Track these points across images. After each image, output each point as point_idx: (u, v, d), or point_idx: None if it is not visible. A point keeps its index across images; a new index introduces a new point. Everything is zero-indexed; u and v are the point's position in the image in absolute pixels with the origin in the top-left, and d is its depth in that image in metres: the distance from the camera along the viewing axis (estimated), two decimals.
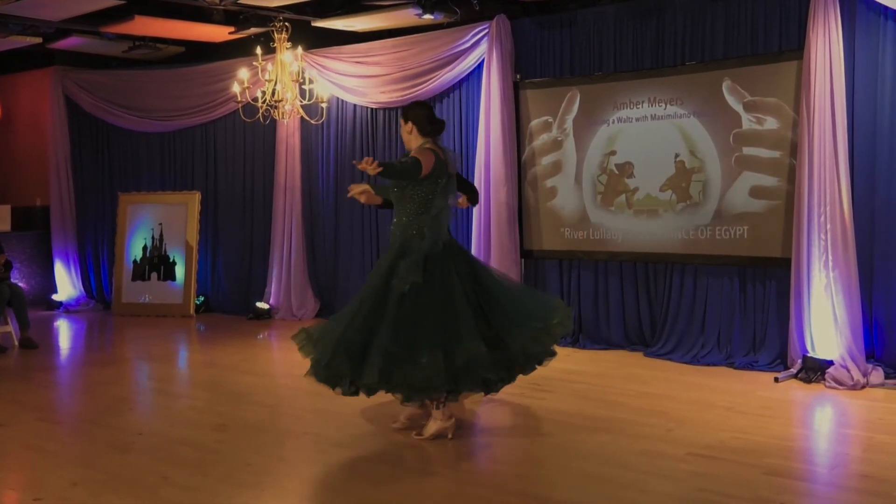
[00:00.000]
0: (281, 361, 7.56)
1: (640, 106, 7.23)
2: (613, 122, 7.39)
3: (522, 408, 5.71)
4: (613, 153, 7.41)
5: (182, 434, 5.11)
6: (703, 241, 6.95)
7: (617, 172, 7.40)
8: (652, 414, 5.39)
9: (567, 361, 7.03)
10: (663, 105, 7.11)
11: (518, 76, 7.86)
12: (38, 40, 8.86)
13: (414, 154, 4.73)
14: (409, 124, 4.87)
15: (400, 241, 4.84)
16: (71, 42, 9.04)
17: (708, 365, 6.75)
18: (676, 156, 7.08)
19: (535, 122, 7.83)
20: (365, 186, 4.94)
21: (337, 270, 9.21)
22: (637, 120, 7.26)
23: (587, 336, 7.61)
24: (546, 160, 7.79)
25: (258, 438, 5.04)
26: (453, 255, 4.83)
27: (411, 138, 4.88)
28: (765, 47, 6.63)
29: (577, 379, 6.40)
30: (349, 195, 4.95)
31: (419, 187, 4.74)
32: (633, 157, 7.30)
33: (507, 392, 6.07)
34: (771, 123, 6.60)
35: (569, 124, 7.63)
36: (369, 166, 4.45)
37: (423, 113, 4.86)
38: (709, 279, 6.98)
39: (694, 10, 6.96)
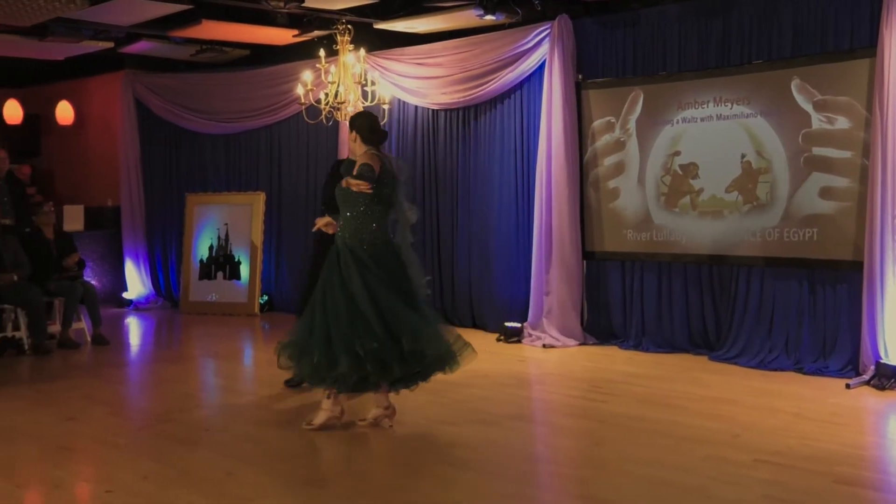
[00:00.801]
0: None
1: (706, 106, 7.11)
2: (678, 123, 7.29)
3: (583, 410, 5.67)
4: (678, 154, 7.31)
5: (247, 431, 5.19)
6: (771, 244, 6.80)
7: (681, 173, 7.29)
8: (717, 419, 5.30)
9: (629, 364, 6.97)
10: (729, 105, 6.99)
11: (580, 76, 7.81)
12: (110, 45, 9.10)
13: (364, 162, 4.88)
14: (354, 133, 5.09)
15: (339, 244, 5.00)
16: (141, 46, 9.27)
17: (775, 370, 6.60)
18: (743, 156, 6.95)
19: (597, 123, 7.76)
20: (328, 220, 5.27)
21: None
22: (702, 120, 7.15)
23: (650, 339, 7.51)
24: (608, 161, 7.72)
25: (321, 436, 5.10)
26: (379, 260, 4.95)
27: (355, 146, 5.09)
28: (835, 45, 6.46)
29: (639, 382, 6.32)
30: (315, 229, 5.37)
31: (359, 193, 4.88)
32: (698, 158, 7.19)
33: (568, 394, 6.06)
34: (842, 123, 6.44)
35: (632, 125, 7.55)
36: (364, 187, 4.74)
37: (365, 123, 5.06)
38: (776, 282, 6.84)
39: (761, 8, 6.82)
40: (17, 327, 7.83)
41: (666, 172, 7.38)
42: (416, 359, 4.94)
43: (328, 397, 5.13)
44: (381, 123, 8.14)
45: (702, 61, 7.16)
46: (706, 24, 7.11)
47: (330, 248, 5.10)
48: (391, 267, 5.01)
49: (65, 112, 11.06)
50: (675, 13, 7.27)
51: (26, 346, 7.73)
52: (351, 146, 5.17)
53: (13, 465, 4.64)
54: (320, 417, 5.14)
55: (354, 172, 4.84)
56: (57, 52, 9.37)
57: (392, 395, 5.21)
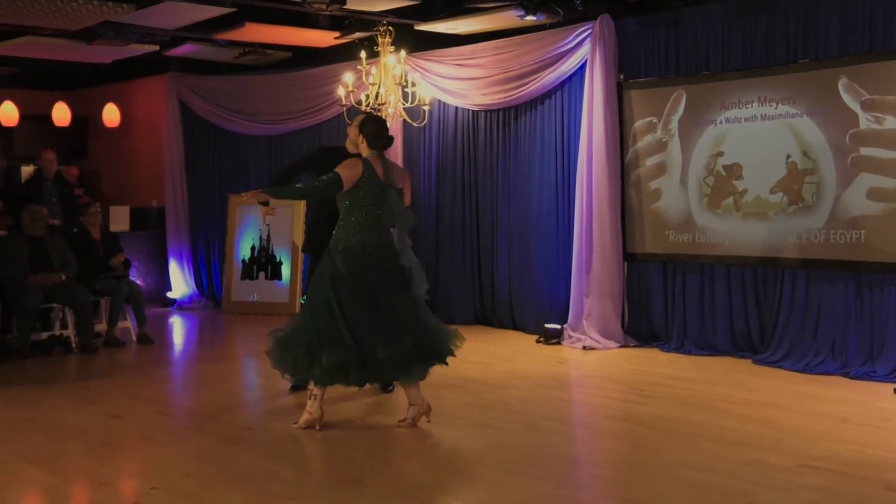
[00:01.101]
0: None
1: (750, 105, 7.02)
2: (721, 123, 7.20)
3: (624, 413, 5.63)
4: (721, 154, 7.22)
5: (288, 430, 5.23)
6: (817, 245, 6.69)
7: (724, 174, 7.20)
8: (761, 423, 5.23)
9: (670, 367, 6.90)
10: (774, 104, 6.89)
11: (622, 76, 7.75)
12: (156, 48, 9.24)
13: (339, 168, 5.06)
14: (361, 136, 5.21)
15: (331, 245, 5.17)
16: (185, 49, 9.40)
17: (821, 374, 6.49)
18: (788, 157, 6.84)
19: (638, 123, 7.70)
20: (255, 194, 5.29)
21: (438, 273, 9.27)
22: (746, 120, 7.06)
23: (692, 341, 7.43)
24: (650, 161, 7.66)
25: (361, 436, 5.13)
26: (369, 263, 5.06)
27: (362, 147, 5.22)
28: (884, 44, 6.33)
29: (681, 385, 6.26)
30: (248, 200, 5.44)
31: (344, 196, 5.07)
32: (742, 158, 7.10)
33: (608, 397, 6.03)
34: (891, 122, 6.31)
35: (674, 125, 7.48)
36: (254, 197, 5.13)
37: (373, 129, 5.19)
38: (822, 284, 6.72)
39: (806, 6, 6.71)
40: (64, 326, 7.99)
41: (709, 173, 7.30)
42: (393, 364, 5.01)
43: (311, 398, 5.18)
44: (421, 123, 8.25)
45: (746, 60, 7.07)
46: (751, 23, 7.01)
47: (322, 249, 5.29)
48: (376, 272, 5.07)
49: (111, 114, 11.26)
50: (718, 12, 7.18)
51: (74, 345, 7.88)
52: (357, 146, 5.26)
53: (61, 461, 4.73)
54: (303, 418, 5.21)
55: (316, 179, 5.16)
56: (104, 56, 9.53)
57: (428, 396, 5.23)
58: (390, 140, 5.26)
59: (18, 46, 8.76)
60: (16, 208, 8.75)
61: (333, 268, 5.08)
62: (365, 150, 5.19)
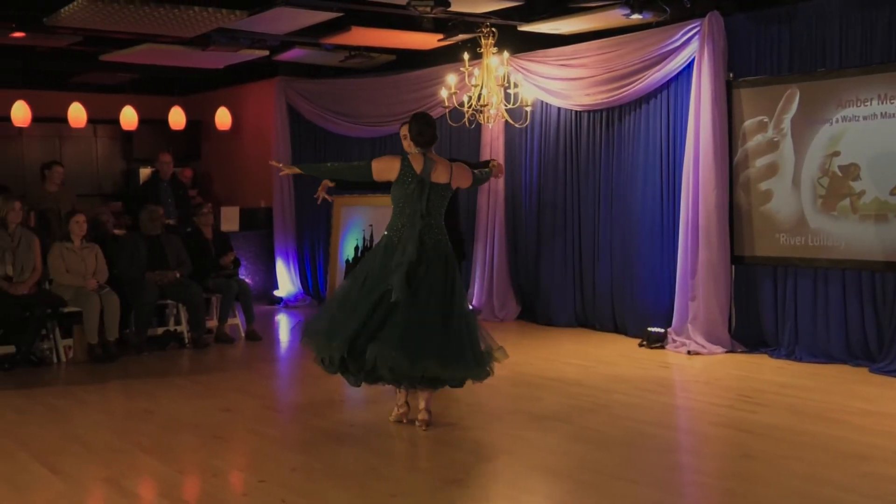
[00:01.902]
0: None
1: (868, 104, 6.72)
2: (837, 122, 6.92)
3: (730, 420, 5.46)
4: (836, 154, 6.94)
5: (389, 428, 5.30)
6: None
7: (840, 174, 6.92)
8: (879, 434, 4.99)
9: (780, 374, 6.67)
10: (895, 102, 6.57)
11: (731, 75, 7.54)
12: (265, 53, 9.52)
13: (375, 159, 5.36)
14: (407, 135, 5.34)
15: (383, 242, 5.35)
16: (294, 54, 9.65)
17: None
18: None
19: (748, 123, 7.48)
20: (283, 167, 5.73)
21: (539, 274, 9.23)
22: (864, 118, 6.76)
23: (803, 348, 7.16)
24: (760, 162, 7.42)
25: (463, 436, 5.15)
26: (423, 262, 5.10)
27: (407, 144, 5.36)
28: None
29: (792, 393, 6.04)
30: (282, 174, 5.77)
31: (392, 192, 5.29)
32: (860, 158, 6.80)
33: (714, 403, 5.87)
34: None
35: (786, 124, 7.22)
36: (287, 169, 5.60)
37: (415, 128, 5.28)
38: None
39: None
40: (178, 322, 8.32)
41: (823, 174, 7.02)
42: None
43: (398, 392, 5.35)
44: (523, 124, 8.28)
45: (865, 57, 6.76)
46: (871, 18, 6.71)
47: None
48: (423, 269, 5.09)
49: (223, 118, 11.65)
50: (836, 6, 6.90)
51: (186, 340, 8.19)
52: (405, 144, 5.39)
53: (175, 452, 4.93)
54: (393, 413, 5.40)
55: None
56: (217, 61, 9.88)
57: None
58: (432, 138, 5.29)
59: (138, 54, 9.17)
60: (134, 209, 9.15)
61: (373, 261, 5.25)
62: (411, 149, 5.30)
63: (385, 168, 5.26)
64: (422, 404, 5.25)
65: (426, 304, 5.03)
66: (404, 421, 5.32)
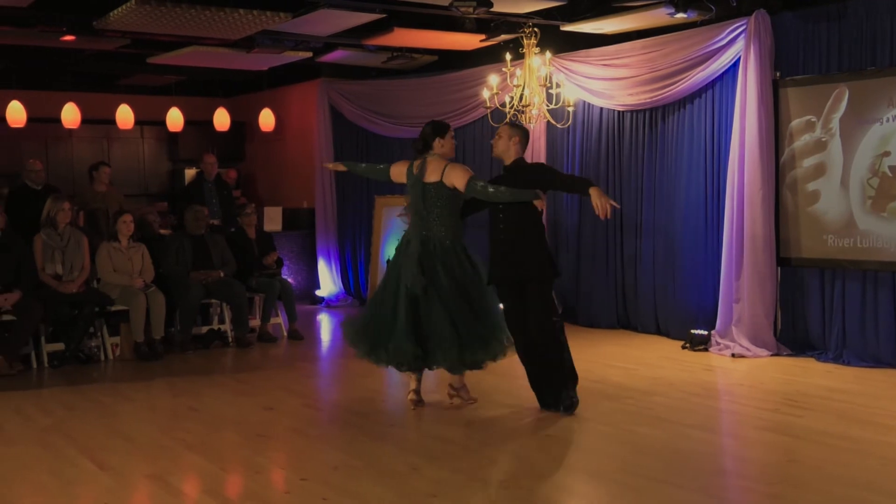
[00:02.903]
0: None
1: None
2: (888, 121, 6.78)
3: (776, 424, 5.37)
4: (887, 154, 6.79)
5: (430, 428, 5.31)
6: None
7: (891, 175, 6.77)
8: None
9: (828, 378, 6.55)
10: None
11: (777, 74, 7.42)
12: (309, 55, 9.59)
13: (393, 163, 5.88)
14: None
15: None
16: (336, 55, 9.71)
17: None
18: None
19: (795, 122, 7.35)
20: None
21: (579, 275, 9.17)
22: None
23: (851, 351, 7.02)
24: (808, 162, 7.30)
25: (505, 438, 5.14)
26: (427, 257, 5.51)
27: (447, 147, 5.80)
28: None
29: (839, 397, 5.93)
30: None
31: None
32: None
33: (759, 407, 5.79)
34: None
35: (835, 124, 7.09)
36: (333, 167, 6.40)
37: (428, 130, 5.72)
38: None
39: None
40: (222, 321, 8.42)
41: (873, 174, 6.88)
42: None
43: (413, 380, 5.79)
44: (565, 125, 8.30)
45: None
46: None
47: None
48: (443, 270, 5.47)
49: (267, 119, 11.77)
50: (886, 3, 6.75)
51: (230, 339, 8.28)
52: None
53: (218, 449, 4.99)
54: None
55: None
56: (261, 63, 9.98)
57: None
58: (423, 145, 5.68)
59: (184, 56, 9.31)
60: (180, 209, 9.28)
61: (395, 261, 5.70)
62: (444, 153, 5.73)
63: (398, 174, 5.78)
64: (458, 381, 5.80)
65: (438, 297, 5.43)
66: (412, 408, 5.73)
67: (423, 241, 5.55)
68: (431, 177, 5.55)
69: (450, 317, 5.38)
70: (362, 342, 5.60)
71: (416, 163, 5.66)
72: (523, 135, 5.70)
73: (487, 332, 5.47)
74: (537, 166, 6.16)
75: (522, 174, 5.61)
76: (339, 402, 6.41)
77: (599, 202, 5.19)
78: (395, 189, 10.91)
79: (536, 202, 5.42)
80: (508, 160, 5.69)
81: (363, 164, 6.41)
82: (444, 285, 5.44)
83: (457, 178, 5.50)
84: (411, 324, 5.42)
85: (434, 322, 5.41)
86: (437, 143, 5.65)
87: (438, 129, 5.68)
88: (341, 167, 6.30)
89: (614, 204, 5.27)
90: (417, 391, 5.79)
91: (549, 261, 5.55)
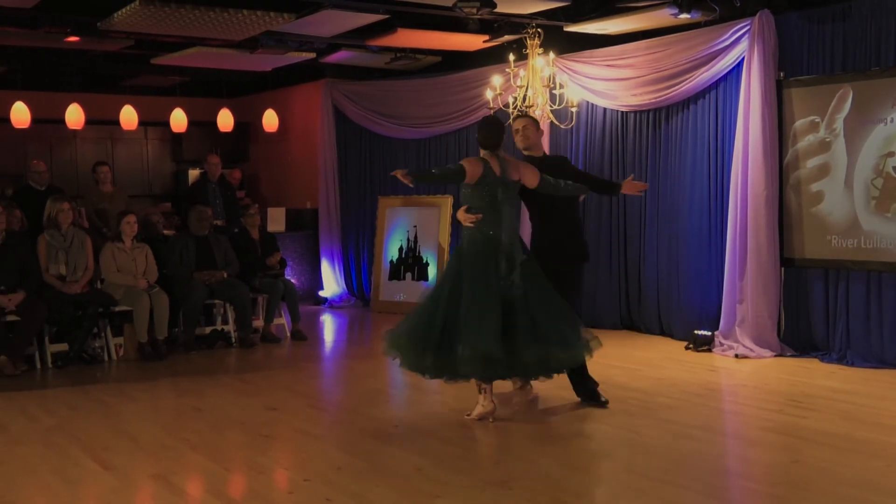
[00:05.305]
0: None
1: None
2: (892, 121, 6.76)
3: (780, 425, 5.37)
4: (891, 154, 6.78)
5: (434, 429, 5.31)
6: None
7: (895, 175, 6.76)
8: None
9: (832, 378, 6.54)
10: None
11: (781, 74, 7.42)
12: (312, 55, 9.60)
13: (464, 161, 5.49)
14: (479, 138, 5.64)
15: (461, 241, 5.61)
16: (340, 56, 9.72)
17: None
18: None
19: (799, 123, 7.34)
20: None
21: (584, 276, 9.13)
22: None
23: (856, 353, 7.01)
24: (812, 163, 7.29)
25: (508, 438, 5.13)
26: (494, 257, 5.34)
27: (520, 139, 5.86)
28: None
29: (844, 398, 5.92)
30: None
31: (471, 192, 5.42)
32: None
33: (763, 408, 5.77)
34: None
35: (839, 124, 7.08)
36: (402, 178, 5.31)
37: (482, 131, 5.56)
38: None
39: None
40: (226, 321, 8.43)
41: (877, 175, 6.87)
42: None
43: (482, 392, 5.40)
44: (569, 125, 8.29)
45: None
46: None
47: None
48: (496, 262, 5.33)
49: (270, 120, 11.76)
50: (891, 3, 6.74)
51: (234, 339, 8.29)
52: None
53: (222, 449, 5.00)
54: (476, 411, 5.45)
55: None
56: (265, 64, 9.99)
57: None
58: (497, 141, 5.51)
59: (188, 57, 9.32)
60: (183, 209, 9.29)
61: (459, 261, 5.45)
62: (482, 152, 5.55)
63: (475, 172, 5.41)
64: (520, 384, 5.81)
65: (524, 297, 5.29)
66: (490, 420, 5.39)
67: (496, 243, 5.38)
68: (514, 175, 5.49)
69: (537, 317, 5.28)
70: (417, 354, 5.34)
71: (492, 161, 5.46)
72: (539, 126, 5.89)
73: (571, 331, 5.42)
74: (563, 159, 6.30)
75: (552, 165, 5.81)
76: (342, 402, 6.41)
77: (631, 187, 5.86)
78: (397, 189, 10.97)
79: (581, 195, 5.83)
80: (539, 152, 5.88)
81: (434, 170, 6.16)
82: (530, 286, 5.36)
83: (532, 177, 5.54)
84: (496, 327, 5.18)
85: (522, 324, 5.24)
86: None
87: (503, 127, 5.64)
88: (409, 180, 5.42)
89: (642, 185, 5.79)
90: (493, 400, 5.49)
91: (584, 245, 5.97)
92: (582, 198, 5.99)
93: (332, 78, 11.16)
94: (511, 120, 6.62)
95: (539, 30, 8.02)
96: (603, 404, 5.73)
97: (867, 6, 6.90)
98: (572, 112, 8.15)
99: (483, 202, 5.39)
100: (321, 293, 11.35)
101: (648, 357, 7.49)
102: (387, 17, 8.02)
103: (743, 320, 7.47)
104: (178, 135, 12.00)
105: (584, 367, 5.73)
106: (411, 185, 5.44)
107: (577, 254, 5.92)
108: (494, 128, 5.54)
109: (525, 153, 5.90)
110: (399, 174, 5.30)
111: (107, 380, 7.02)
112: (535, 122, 5.99)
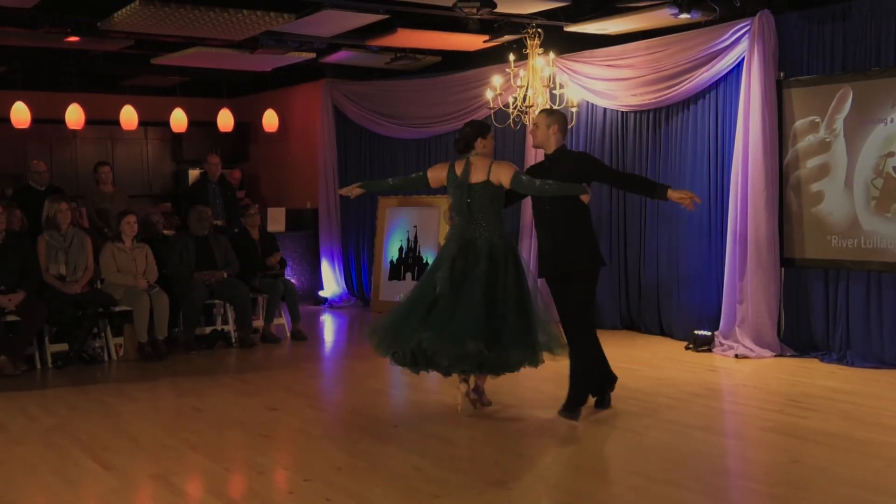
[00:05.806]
0: None
1: None
2: (892, 121, 6.76)
3: (780, 425, 5.37)
4: (891, 154, 6.78)
5: (434, 429, 5.31)
6: None
7: (895, 175, 6.76)
8: None
9: (832, 379, 6.54)
10: None
11: (782, 74, 7.42)
12: (312, 55, 9.60)
13: (429, 168, 5.75)
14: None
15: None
16: (340, 56, 9.72)
17: None
18: None
19: (799, 123, 7.34)
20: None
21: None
22: None
23: (855, 352, 7.01)
24: (812, 163, 7.29)
25: (508, 438, 5.13)
26: (467, 256, 5.42)
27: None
28: None
29: (844, 398, 5.92)
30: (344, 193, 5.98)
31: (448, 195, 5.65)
32: None
33: (763, 408, 5.77)
34: None
35: (839, 124, 7.08)
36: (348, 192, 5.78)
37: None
38: None
39: None
40: (226, 321, 8.43)
41: (878, 175, 6.87)
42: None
43: (461, 381, 5.55)
44: (569, 125, 8.29)
45: None
46: None
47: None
48: (469, 262, 5.39)
49: (270, 120, 11.76)
50: (891, 3, 6.74)
51: (234, 339, 8.29)
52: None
53: (222, 450, 4.99)
54: (459, 399, 5.61)
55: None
56: (265, 64, 9.99)
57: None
58: (461, 146, 5.60)
59: (188, 57, 9.32)
60: (183, 209, 9.29)
61: (438, 260, 5.61)
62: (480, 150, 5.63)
63: (438, 177, 5.65)
64: (475, 384, 5.69)
65: (471, 293, 5.28)
66: (477, 406, 5.62)
67: (466, 242, 5.44)
68: (478, 177, 5.46)
69: (487, 312, 5.28)
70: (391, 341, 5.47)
71: (459, 164, 5.55)
72: (562, 121, 5.56)
73: (531, 335, 5.34)
74: (584, 157, 5.81)
75: (567, 164, 5.50)
76: (342, 402, 6.41)
77: (681, 196, 5.31)
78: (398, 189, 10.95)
79: (582, 196, 5.36)
80: (550, 149, 5.56)
81: (391, 180, 6.12)
82: (505, 283, 5.34)
83: (503, 174, 5.45)
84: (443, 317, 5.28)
85: (466, 314, 5.26)
86: (479, 143, 5.57)
87: (481, 129, 5.60)
88: (357, 191, 5.80)
89: (695, 198, 5.32)
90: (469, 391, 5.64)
91: (595, 251, 5.60)
92: (586, 201, 5.43)
93: (332, 78, 11.16)
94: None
95: (539, 30, 8.02)
96: (604, 404, 5.72)
97: (867, 6, 6.90)
98: (572, 112, 8.15)
99: (456, 204, 5.55)
100: (321, 293, 11.35)
101: (648, 357, 7.49)
102: (387, 17, 8.02)
103: (743, 320, 7.47)
104: (178, 135, 12.00)
105: (605, 365, 5.72)
106: (352, 197, 5.85)
107: (558, 266, 5.52)
108: (462, 132, 5.63)
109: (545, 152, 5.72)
110: (343, 191, 5.80)
111: (107, 380, 7.03)
112: (552, 116, 5.57)
